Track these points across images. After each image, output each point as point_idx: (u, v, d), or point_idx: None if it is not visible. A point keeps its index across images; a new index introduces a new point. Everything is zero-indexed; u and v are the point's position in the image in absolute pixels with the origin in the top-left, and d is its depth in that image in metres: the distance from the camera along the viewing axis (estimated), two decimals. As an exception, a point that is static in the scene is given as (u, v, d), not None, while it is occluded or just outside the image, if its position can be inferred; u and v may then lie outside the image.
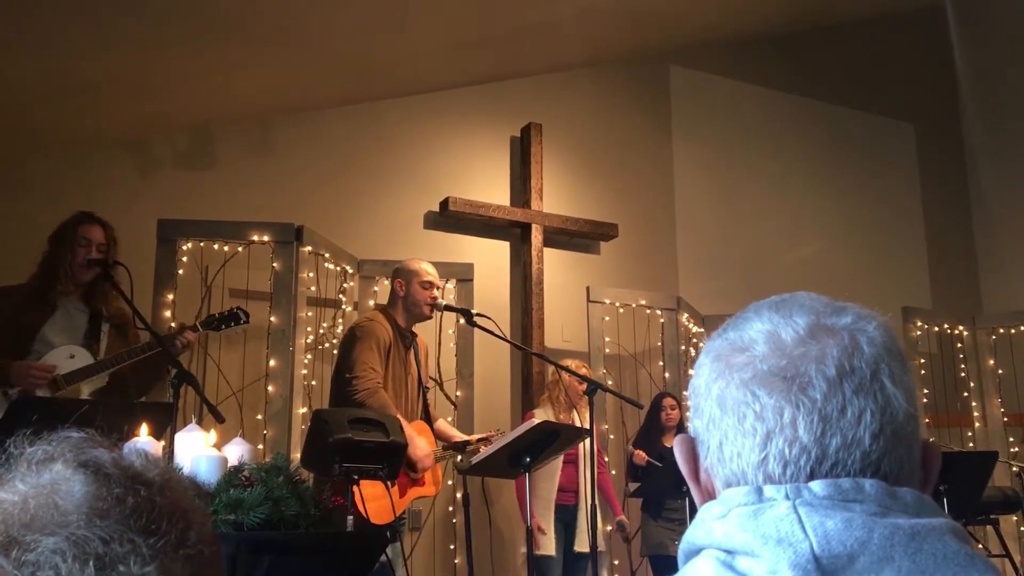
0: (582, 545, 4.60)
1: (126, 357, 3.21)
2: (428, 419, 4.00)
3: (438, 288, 4.04)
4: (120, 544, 0.65)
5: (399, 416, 3.54)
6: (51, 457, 0.70)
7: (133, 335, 3.44)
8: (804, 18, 7.07)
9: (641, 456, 4.83)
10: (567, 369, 4.26)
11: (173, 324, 4.31)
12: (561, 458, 4.41)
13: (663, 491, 4.72)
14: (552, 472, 4.52)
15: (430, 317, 4.09)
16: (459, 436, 4.15)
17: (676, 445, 0.79)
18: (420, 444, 3.71)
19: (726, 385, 0.73)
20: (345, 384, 3.64)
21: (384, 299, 4.37)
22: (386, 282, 4.71)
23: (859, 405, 0.69)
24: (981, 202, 7.80)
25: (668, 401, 5.12)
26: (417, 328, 4.11)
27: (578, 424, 4.59)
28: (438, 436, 4.05)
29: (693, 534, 0.71)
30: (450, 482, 5.01)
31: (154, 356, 3.24)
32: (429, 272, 4.00)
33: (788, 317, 0.74)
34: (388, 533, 3.36)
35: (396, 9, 4.81)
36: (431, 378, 5.10)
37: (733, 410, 0.72)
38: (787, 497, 0.67)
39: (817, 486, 0.67)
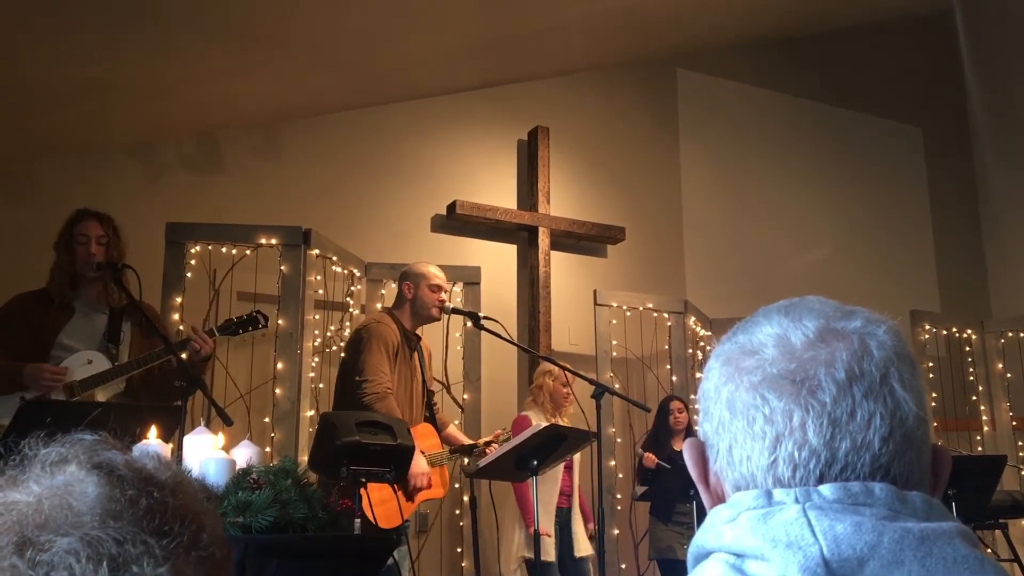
0: (582, 550, 4.57)
1: (140, 364, 3.16)
2: (433, 422, 4.00)
3: (446, 291, 4.05)
4: (133, 545, 0.65)
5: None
6: (65, 459, 0.70)
7: (163, 330, 3.37)
8: (812, 21, 7.07)
9: (651, 459, 4.81)
10: (572, 371, 4.25)
11: (182, 327, 4.31)
12: (562, 463, 4.40)
13: (672, 495, 4.71)
14: (554, 477, 4.51)
15: (438, 319, 4.10)
16: (466, 441, 4.15)
17: (685, 449, 0.79)
18: (418, 460, 3.55)
19: (735, 388, 0.73)
20: (354, 387, 3.63)
21: (391, 302, 4.38)
22: (393, 285, 4.71)
23: (868, 409, 0.69)
24: (989, 205, 7.77)
25: (675, 404, 5.11)
26: (424, 331, 4.11)
27: None
28: (445, 440, 4.05)
29: (702, 537, 0.71)
30: (457, 485, 5.01)
31: (176, 364, 3.17)
32: (438, 275, 4.01)
33: (798, 321, 0.74)
34: (395, 536, 3.36)
35: (403, 14, 4.82)
36: (436, 380, 5.10)
37: (743, 413, 0.72)
38: (797, 501, 0.67)
39: (827, 490, 0.67)
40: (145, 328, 3.29)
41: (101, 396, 3.14)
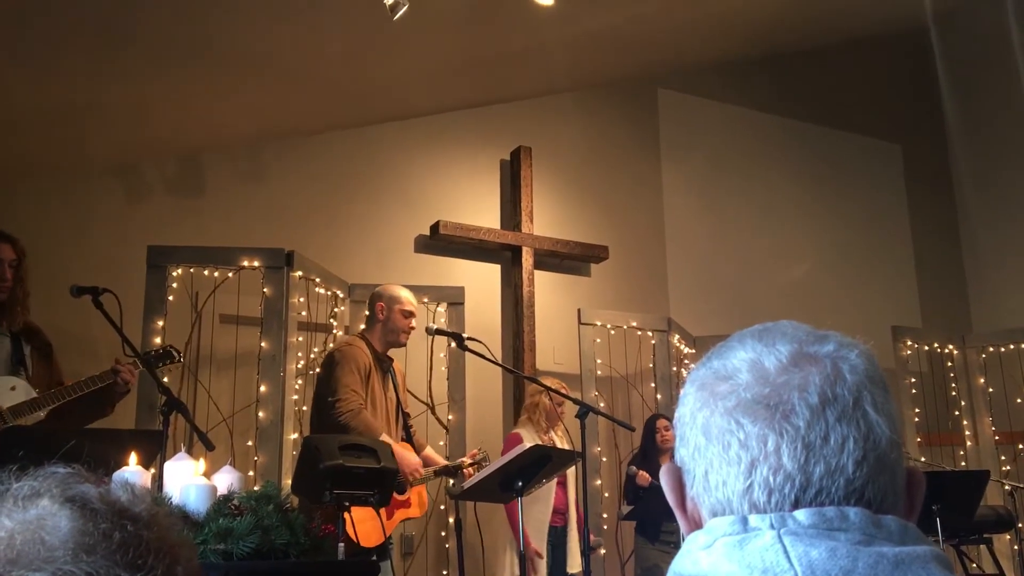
0: (575, 567, 4.58)
1: (75, 391, 3.04)
2: (410, 442, 4.01)
3: (416, 318, 4.09)
4: (106, 580, 0.64)
5: (385, 437, 3.56)
6: (37, 493, 0.69)
7: (55, 360, 3.28)
8: (791, 40, 7.15)
9: (645, 477, 4.79)
10: (560, 392, 4.25)
11: (155, 347, 4.26)
12: (555, 481, 4.40)
13: (658, 514, 4.70)
14: (547, 496, 4.50)
15: (404, 345, 4.13)
16: (443, 462, 4.18)
17: (663, 475, 0.79)
18: (408, 459, 3.76)
19: (711, 414, 0.73)
20: (328, 408, 3.66)
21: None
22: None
23: (842, 432, 0.70)
24: (968, 221, 7.86)
25: (662, 423, 5.10)
26: (408, 351, 4.13)
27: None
28: (424, 463, 4.06)
29: (680, 564, 0.71)
30: (442, 507, 4.99)
31: (99, 393, 3.08)
32: (411, 301, 4.06)
33: (771, 346, 0.74)
34: (376, 556, 3.35)
35: (386, 35, 4.83)
36: (421, 401, 5.09)
37: (718, 439, 0.72)
38: (772, 527, 0.67)
39: (802, 515, 0.67)
40: (42, 353, 3.21)
41: (26, 424, 3.05)
